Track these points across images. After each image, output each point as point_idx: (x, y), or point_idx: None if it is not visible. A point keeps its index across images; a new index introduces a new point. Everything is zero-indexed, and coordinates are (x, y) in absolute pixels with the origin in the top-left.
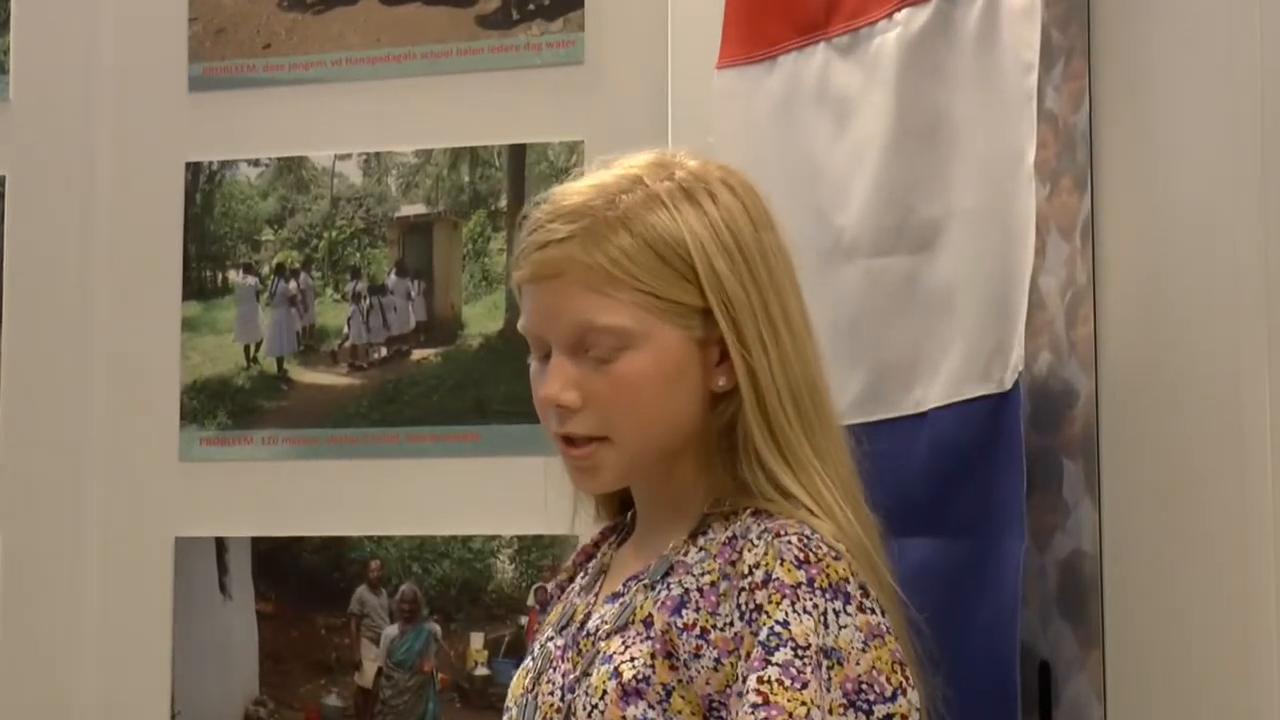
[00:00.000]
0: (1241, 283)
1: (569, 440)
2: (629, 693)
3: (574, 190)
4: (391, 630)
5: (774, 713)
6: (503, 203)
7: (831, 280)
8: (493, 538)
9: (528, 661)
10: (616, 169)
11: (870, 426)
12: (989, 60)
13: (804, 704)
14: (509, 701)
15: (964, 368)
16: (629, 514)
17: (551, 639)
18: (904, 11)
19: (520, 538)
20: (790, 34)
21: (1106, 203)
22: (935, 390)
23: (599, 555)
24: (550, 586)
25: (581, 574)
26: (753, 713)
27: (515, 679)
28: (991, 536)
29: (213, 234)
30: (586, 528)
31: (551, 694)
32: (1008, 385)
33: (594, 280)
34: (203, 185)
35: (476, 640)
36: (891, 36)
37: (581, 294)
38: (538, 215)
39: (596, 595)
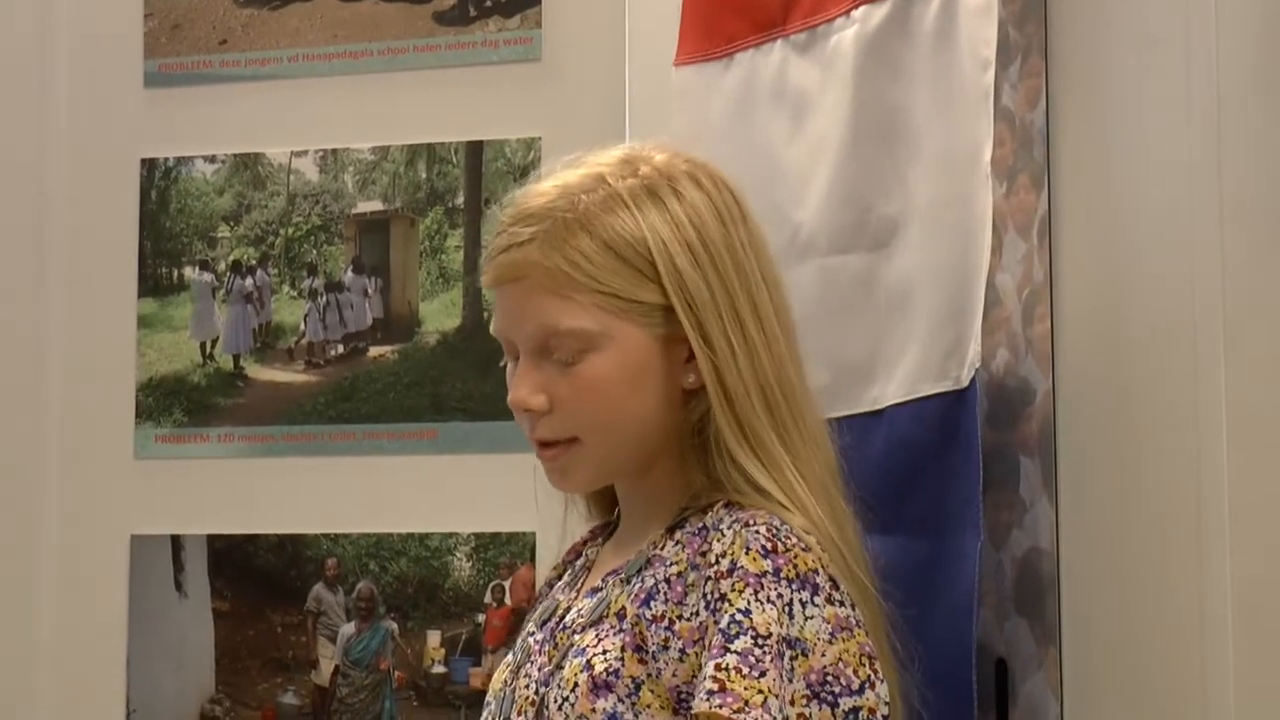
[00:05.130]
0: (1198, 281)
1: (543, 442)
2: (599, 685)
3: (538, 191)
4: (348, 628)
5: (729, 700)
6: (460, 200)
7: (788, 278)
8: (450, 535)
9: (509, 657)
10: (582, 167)
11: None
12: (946, 58)
13: (760, 692)
14: (489, 696)
15: (921, 365)
16: (616, 511)
17: (532, 634)
18: (861, 9)
19: (477, 535)
20: (748, 31)
21: (1063, 200)
22: (892, 388)
23: (585, 552)
24: (540, 584)
25: (569, 571)
26: (708, 699)
27: (496, 674)
28: (948, 534)
29: (168, 231)
30: (576, 525)
31: (528, 687)
32: (964, 383)
33: (554, 283)
34: (158, 182)
35: (433, 638)
36: (849, 34)
37: (543, 297)
38: (503, 218)
39: (578, 591)
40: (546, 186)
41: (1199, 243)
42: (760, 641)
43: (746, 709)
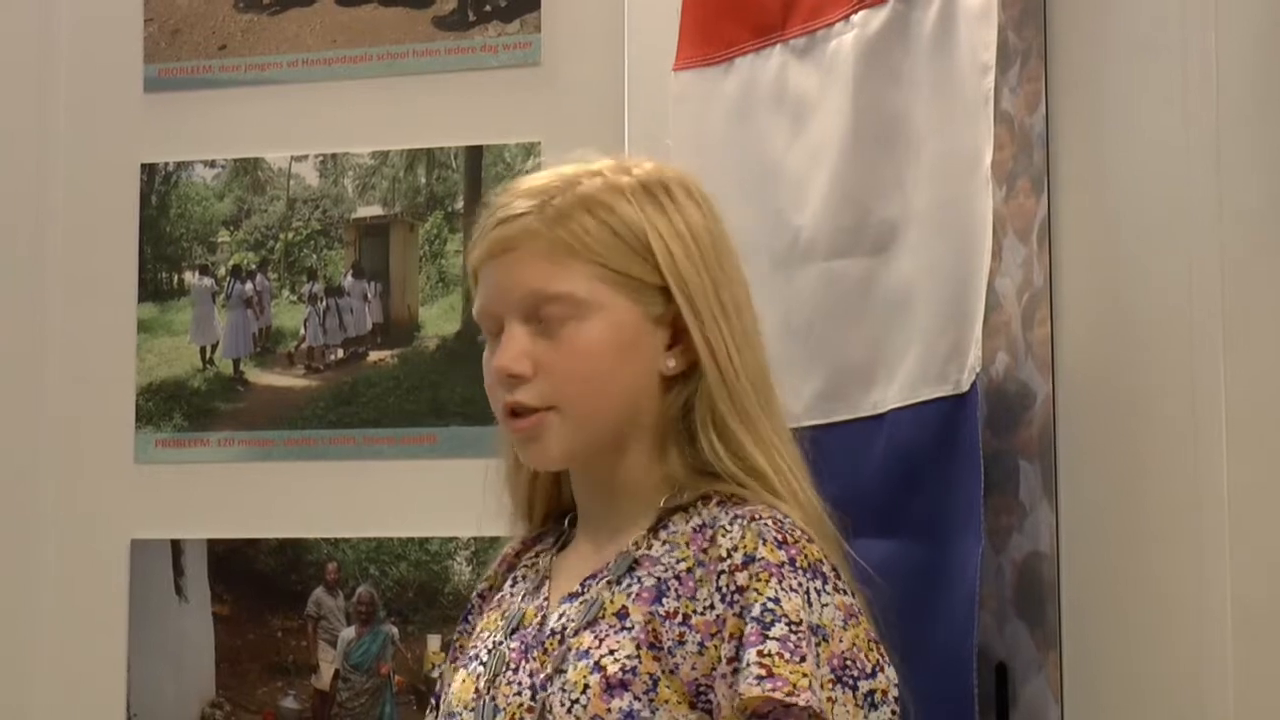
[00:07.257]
0: (1197, 284)
1: (516, 413)
2: (613, 685)
3: (535, 177)
4: (348, 632)
5: (780, 684)
6: (459, 204)
7: (789, 282)
8: (450, 539)
9: (474, 667)
10: (576, 165)
11: (828, 428)
12: (946, 62)
13: (805, 675)
14: (455, 707)
15: (921, 369)
16: (567, 520)
17: (502, 643)
18: (861, 14)
19: (477, 539)
20: (747, 36)
21: (1063, 204)
22: (893, 392)
23: (538, 562)
24: (473, 596)
25: (510, 582)
26: (758, 684)
27: (458, 685)
28: (949, 538)
29: (168, 235)
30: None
31: (518, 694)
32: (965, 387)
33: (550, 250)
34: (158, 186)
35: (434, 642)
36: (848, 38)
37: (536, 263)
38: (497, 200)
39: (546, 599)
40: (543, 174)
41: (1198, 247)
42: (794, 628)
43: (796, 692)
